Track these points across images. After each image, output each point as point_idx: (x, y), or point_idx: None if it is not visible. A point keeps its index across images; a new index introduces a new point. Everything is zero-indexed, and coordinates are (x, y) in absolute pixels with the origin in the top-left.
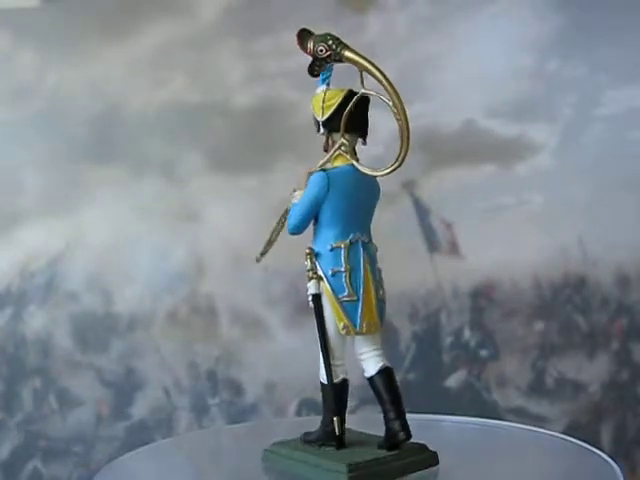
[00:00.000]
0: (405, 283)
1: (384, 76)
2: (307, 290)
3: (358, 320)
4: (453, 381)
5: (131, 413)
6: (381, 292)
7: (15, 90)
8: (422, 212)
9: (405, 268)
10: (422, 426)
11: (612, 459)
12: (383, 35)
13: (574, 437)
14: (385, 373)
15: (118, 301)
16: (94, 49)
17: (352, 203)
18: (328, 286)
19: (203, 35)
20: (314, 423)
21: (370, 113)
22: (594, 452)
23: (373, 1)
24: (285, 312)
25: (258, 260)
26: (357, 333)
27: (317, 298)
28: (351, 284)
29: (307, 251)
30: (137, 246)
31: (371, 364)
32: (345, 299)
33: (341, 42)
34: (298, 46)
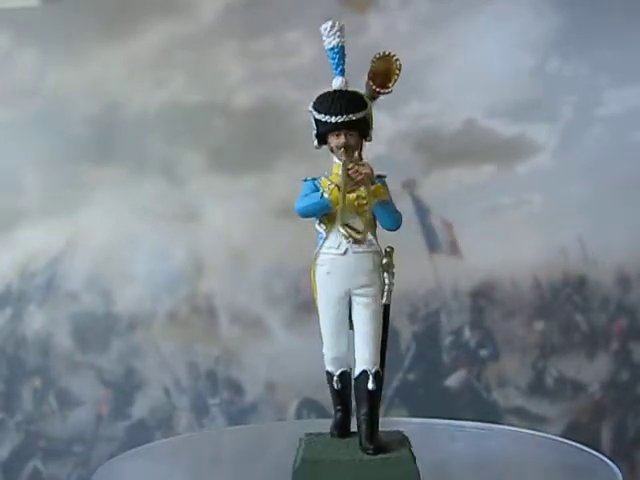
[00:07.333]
0: (405, 283)
1: None
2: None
3: None
4: (453, 381)
5: (131, 413)
6: None
7: (15, 90)
8: (422, 212)
9: (405, 268)
10: (422, 430)
11: (612, 461)
12: (384, 35)
13: (574, 438)
14: None
15: (118, 301)
16: (94, 49)
17: None
18: None
19: (203, 35)
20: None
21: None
22: (594, 455)
23: (374, 1)
24: (286, 312)
25: None
26: None
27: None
28: None
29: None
30: (137, 246)
31: None
32: None
33: None
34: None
